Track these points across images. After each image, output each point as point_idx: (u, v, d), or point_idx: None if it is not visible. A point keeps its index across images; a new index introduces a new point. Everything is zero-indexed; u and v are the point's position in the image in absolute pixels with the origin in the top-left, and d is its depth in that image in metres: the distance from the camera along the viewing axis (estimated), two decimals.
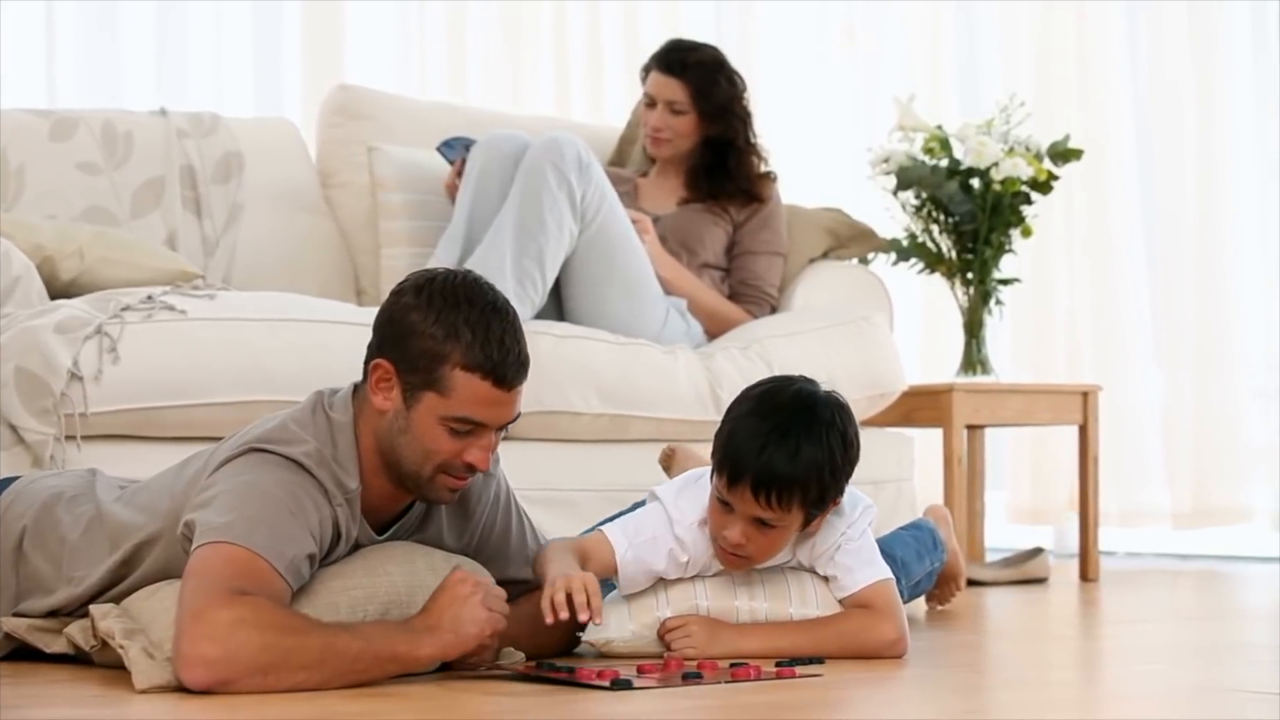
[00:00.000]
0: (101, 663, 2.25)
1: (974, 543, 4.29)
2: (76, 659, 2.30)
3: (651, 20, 5.58)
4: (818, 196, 4.43)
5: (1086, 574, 4.14)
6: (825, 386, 2.43)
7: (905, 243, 4.20)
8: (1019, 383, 4.59)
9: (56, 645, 2.31)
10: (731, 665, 2.27)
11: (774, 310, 3.92)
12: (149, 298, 3.09)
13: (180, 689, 2.01)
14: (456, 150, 3.74)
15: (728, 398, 2.46)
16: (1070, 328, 5.07)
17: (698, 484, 2.49)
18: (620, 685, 2.09)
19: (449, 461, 2.21)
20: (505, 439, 2.30)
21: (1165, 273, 4.97)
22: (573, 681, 2.13)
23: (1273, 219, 4.80)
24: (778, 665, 2.28)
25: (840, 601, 2.50)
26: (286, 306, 3.23)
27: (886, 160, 4.18)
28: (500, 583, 2.25)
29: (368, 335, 2.27)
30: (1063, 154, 4.18)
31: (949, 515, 3.24)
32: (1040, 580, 4.05)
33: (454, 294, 2.20)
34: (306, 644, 2.03)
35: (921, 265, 4.22)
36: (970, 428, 4.32)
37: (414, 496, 2.31)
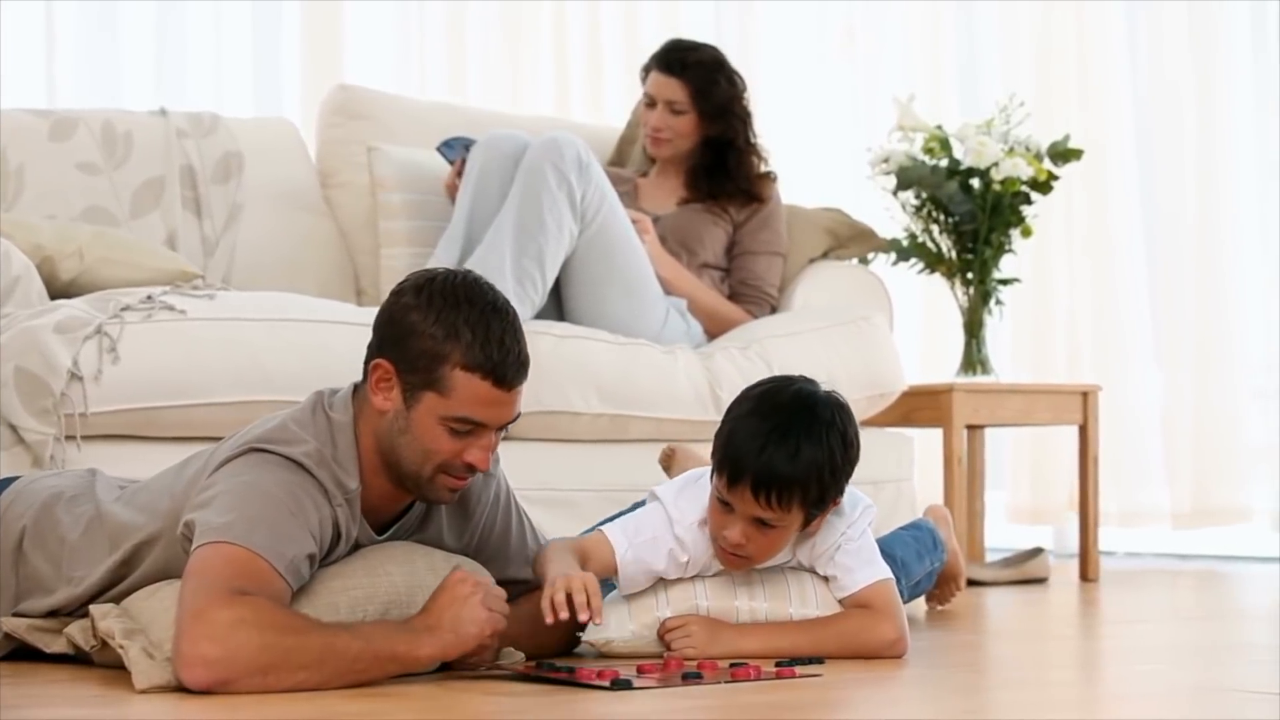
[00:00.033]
0: (101, 663, 2.25)
1: (974, 543, 4.29)
2: (76, 659, 2.30)
3: (651, 20, 5.58)
4: (818, 196, 4.43)
5: (1086, 574, 4.14)
6: (825, 386, 2.43)
7: (905, 243, 4.20)
8: (1019, 383, 4.59)
9: (56, 645, 2.31)
10: (731, 665, 2.27)
11: (774, 310, 3.92)
12: (149, 298, 3.09)
13: (180, 689, 2.01)
14: (456, 150, 3.74)
15: (727, 398, 2.46)
16: (1070, 328, 5.07)
17: (698, 484, 2.49)
18: (620, 685, 2.09)
19: (449, 461, 2.21)
20: (505, 439, 2.30)
21: (1165, 273, 4.97)
22: (573, 681, 2.13)
23: (1273, 219, 4.80)
24: (778, 665, 2.28)
25: (840, 601, 2.50)
26: (286, 306, 3.22)
27: (886, 160, 4.18)
28: (500, 583, 2.25)
29: (367, 335, 2.27)
30: (1062, 154, 4.19)
31: (949, 515, 3.24)
32: (1040, 580, 4.05)
33: (454, 294, 2.20)
34: (306, 644, 2.03)
35: (921, 265, 4.22)
36: (970, 428, 4.32)
37: (414, 497, 2.31)
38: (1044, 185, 4.14)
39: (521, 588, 2.39)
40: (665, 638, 2.43)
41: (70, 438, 2.92)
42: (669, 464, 3.08)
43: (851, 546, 2.49)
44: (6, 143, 3.65)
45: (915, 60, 5.34)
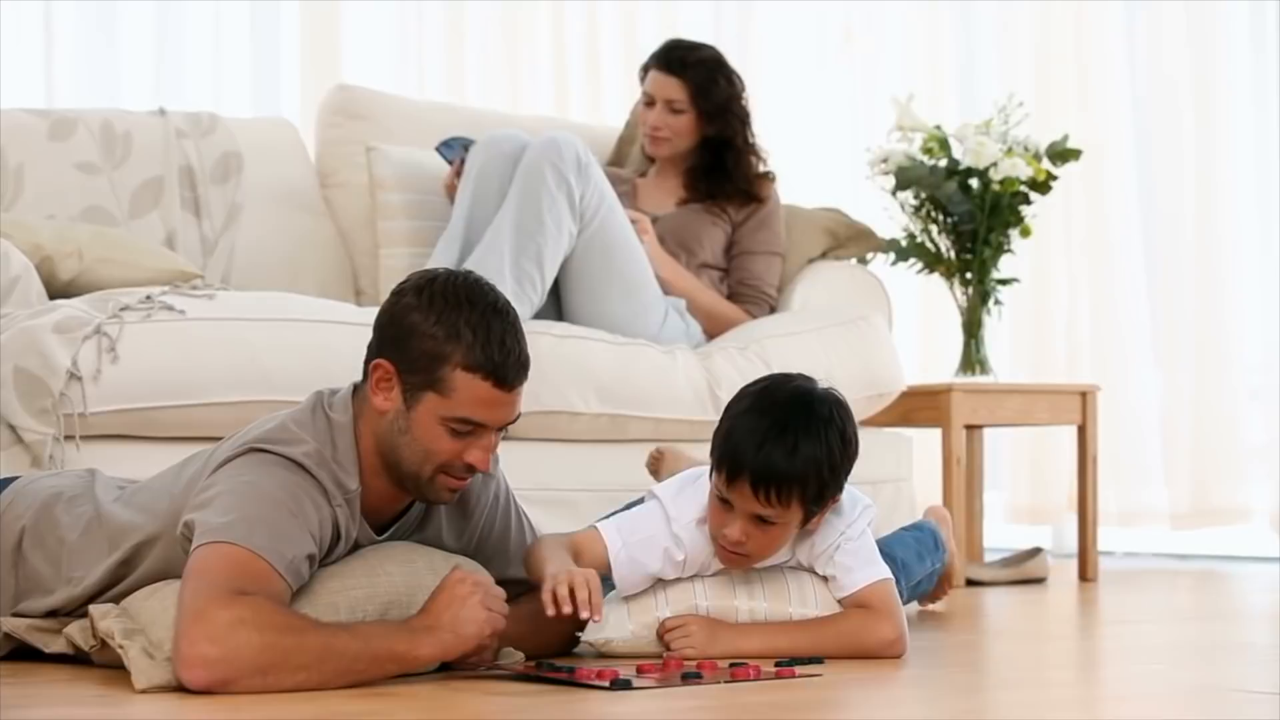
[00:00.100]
0: (101, 663, 2.25)
1: (973, 542, 4.29)
2: (76, 659, 2.30)
3: (650, 21, 5.59)
4: (816, 196, 4.43)
5: (1085, 574, 4.14)
6: (823, 384, 2.43)
7: (904, 243, 4.20)
8: (1018, 383, 4.60)
9: (56, 645, 2.31)
10: (731, 665, 2.27)
11: (773, 310, 3.92)
12: (148, 298, 3.08)
13: (180, 689, 2.01)
14: (455, 150, 3.74)
15: (726, 398, 2.46)
16: (1069, 328, 5.07)
17: (696, 483, 2.49)
18: (620, 685, 2.09)
19: (449, 462, 2.21)
20: (504, 439, 2.30)
21: (1164, 273, 4.97)
22: (572, 681, 2.13)
23: (1271, 219, 4.80)
24: (777, 665, 2.28)
25: (839, 601, 2.50)
26: (285, 306, 3.22)
27: (885, 160, 4.18)
28: (500, 583, 2.25)
29: (367, 335, 2.27)
30: (1061, 154, 4.19)
31: (949, 516, 3.25)
32: (1039, 580, 4.05)
33: (455, 294, 2.20)
34: (306, 644, 2.03)
35: (920, 265, 4.22)
36: (969, 428, 4.32)
37: (413, 497, 2.31)
38: (1043, 185, 4.14)
39: (521, 588, 2.38)
40: (665, 638, 2.43)
41: (69, 438, 2.92)
42: (657, 467, 3.08)
43: (851, 546, 2.49)
44: (6, 143, 3.65)
45: (914, 60, 5.34)
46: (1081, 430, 4.20)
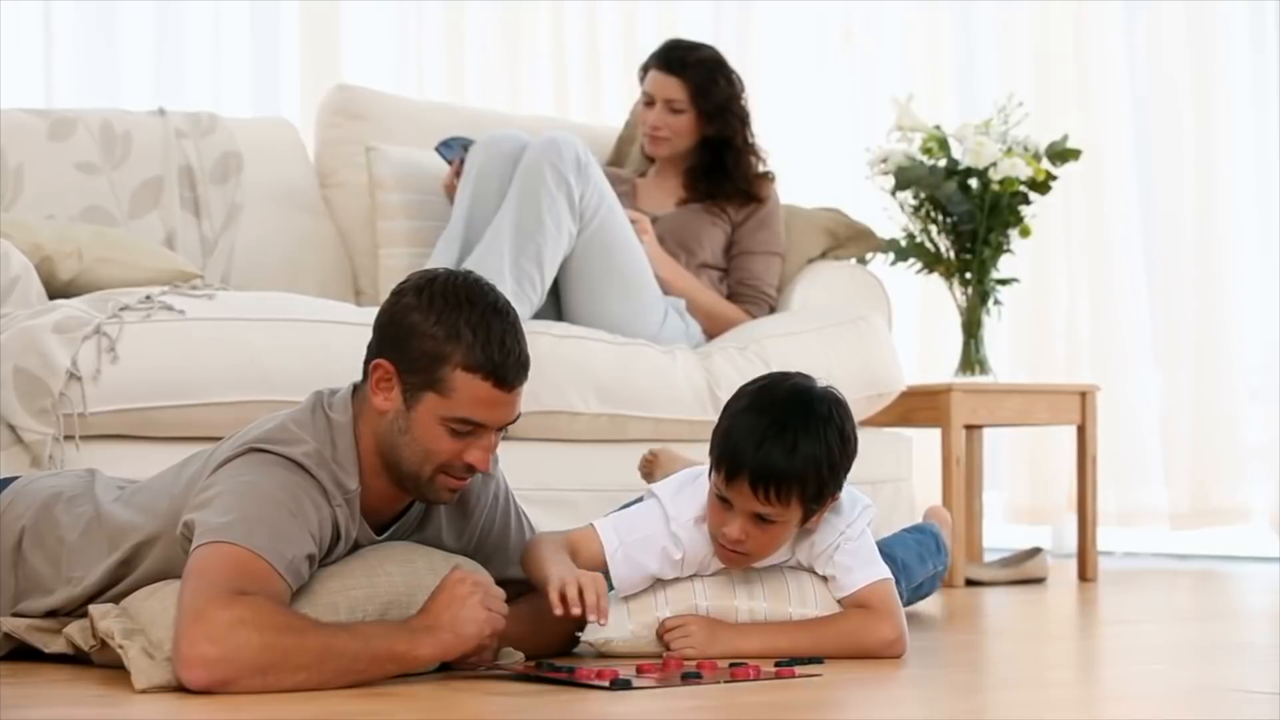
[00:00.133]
0: (101, 663, 2.25)
1: (972, 542, 4.29)
2: (76, 659, 2.30)
3: (649, 21, 5.59)
4: (816, 196, 4.44)
5: (1085, 574, 4.14)
6: (822, 382, 2.43)
7: (903, 243, 4.20)
8: (1017, 383, 4.60)
9: (55, 645, 2.31)
10: (731, 665, 2.27)
11: (772, 310, 3.92)
12: (147, 298, 3.08)
13: (180, 689, 2.01)
14: (455, 150, 3.74)
15: (726, 398, 2.46)
16: (1069, 328, 5.07)
17: (695, 483, 2.49)
18: (619, 685, 2.09)
19: (449, 462, 2.21)
20: (504, 439, 2.30)
21: (1164, 273, 4.97)
22: (572, 681, 2.13)
23: (1271, 219, 4.80)
24: (777, 665, 2.28)
25: (839, 601, 2.50)
26: (285, 306, 3.22)
27: (885, 160, 4.18)
28: (500, 582, 2.25)
29: (367, 335, 2.27)
30: (1061, 154, 4.19)
31: (949, 516, 3.24)
32: (1038, 580, 4.05)
33: (455, 295, 2.20)
34: (306, 644, 2.03)
35: (920, 265, 4.22)
36: (969, 428, 4.32)
37: (413, 497, 2.31)
38: (1042, 185, 4.14)
39: (521, 587, 2.38)
40: (664, 637, 2.43)
41: (69, 438, 2.92)
42: (650, 470, 3.08)
43: (850, 546, 2.49)
44: (5, 143, 3.65)
45: (914, 60, 5.34)
46: (1081, 430, 4.20)
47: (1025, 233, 4.18)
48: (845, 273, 4.08)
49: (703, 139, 3.93)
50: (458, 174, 3.70)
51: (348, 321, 3.17)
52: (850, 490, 2.48)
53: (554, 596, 2.25)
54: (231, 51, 5.47)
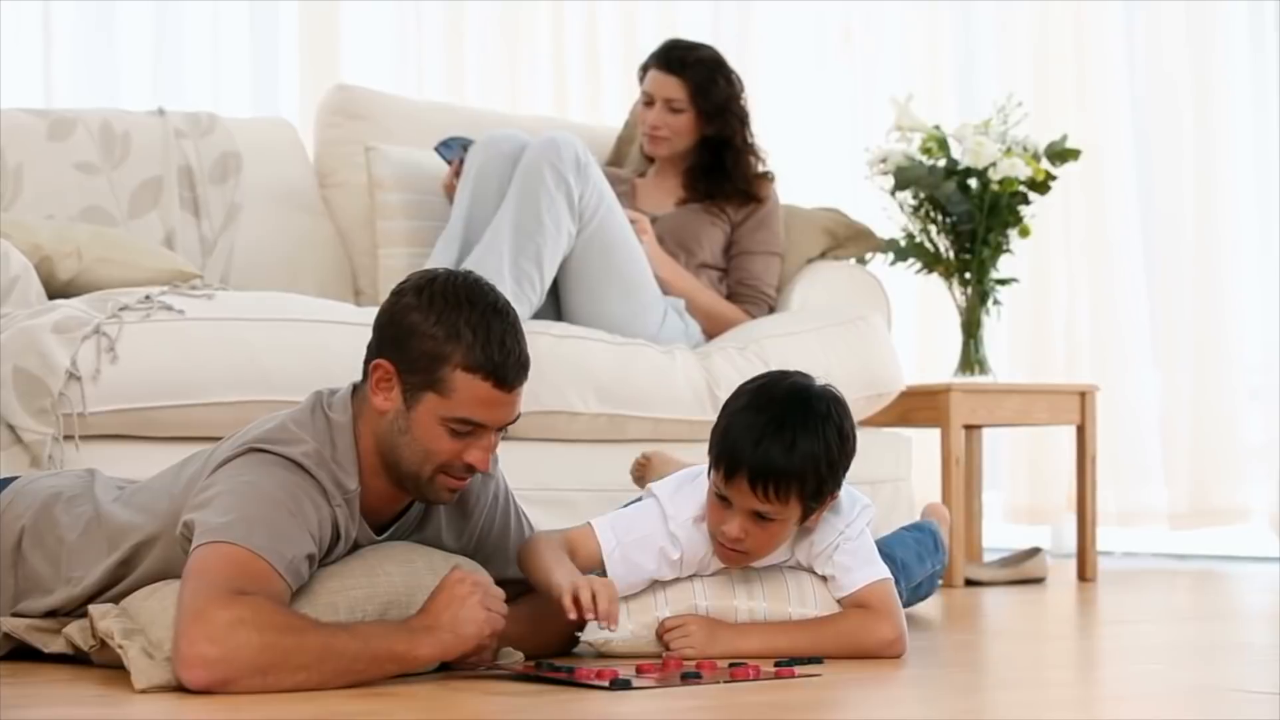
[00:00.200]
0: (100, 663, 2.25)
1: (972, 542, 4.29)
2: (75, 659, 2.30)
3: (649, 21, 5.59)
4: (816, 196, 4.44)
5: (1084, 574, 4.14)
6: (821, 381, 2.43)
7: (903, 243, 4.20)
8: (1017, 383, 4.60)
9: (55, 645, 2.31)
10: (730, 665, 2.27)
11: (772, 310, 3.92)
12: (147, 297, 3.08)
13: (180, 689, 2.01)
14: (454, 150, 3.74)
15: (725, 397, 2.46)
16: (1068, 328, 5.07)
17: (694, 482, 2.49)
18: (619, 685, 2.09)
19: (449, 462, 2.21)
20: (504, 439, 2.30)
21: (1163, 273, 4.97)
22: (572, 681, 2.13)
23: (1271, 219, 4.81)
24: (777, 665, 2.28)
25: (838, 601, 2.50)
26: (285, 306, 3.22)
27: (884, 160, 4.18)
28: (499, 582, 2.25)
29: (366, 335, 2.27)
30: (1060, 154, 4.19)
31: (947, 513, 3.25)
32: (1038, 580, 4.05)
33: (455, 295, 2.20)
34: (305, 644, 2.03)
35: (919, 265, 4.22)
36: (968, 428, 4.32)
37: (413, 497, 2.31)
38: (1042, 185, 4.14)
39: (520, 587, 2.38)
40: (664, 637, 2.43)
41: (68, 438, 2.92)
42: (643, 473, 3.08)
43: (850, 546, 2.49)
44: (5, 143, 3.65)
45: (913, 60, 5.34)
46: (1080, 430, 4.20)
47: (1025, 233, 4.19)
48: (844, 273, 4.08)
49: (702, 139, 3.93)
50: (457, 174, 3.70)
51: (347, 321, 3.17)
52: (849, 490, 2.48)
53: (567, 601, 2.25)
54: (231, 51, 5.47)
